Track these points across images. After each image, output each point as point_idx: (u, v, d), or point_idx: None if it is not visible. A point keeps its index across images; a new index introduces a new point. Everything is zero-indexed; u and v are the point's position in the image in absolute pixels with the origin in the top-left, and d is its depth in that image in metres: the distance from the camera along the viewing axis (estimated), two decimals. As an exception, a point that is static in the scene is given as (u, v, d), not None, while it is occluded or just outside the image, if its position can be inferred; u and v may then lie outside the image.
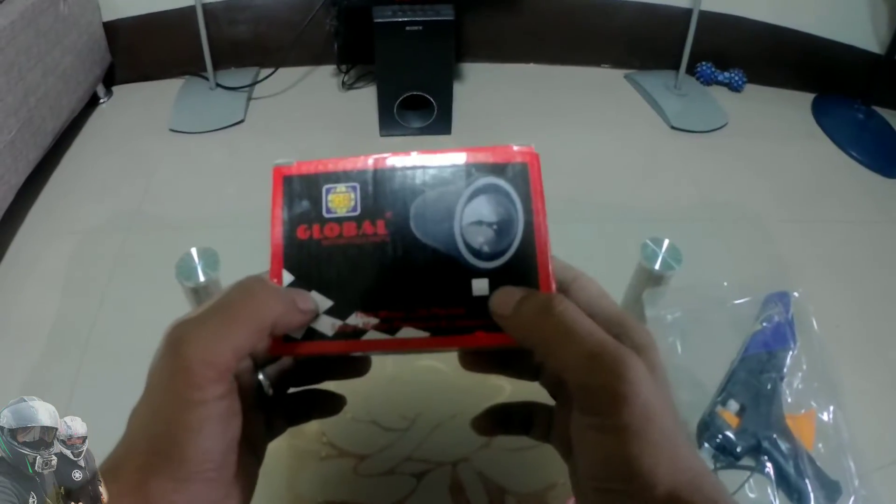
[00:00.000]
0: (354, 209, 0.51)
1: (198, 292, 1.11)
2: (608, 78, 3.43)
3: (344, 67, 3.27)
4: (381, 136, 2.93)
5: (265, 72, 3.17)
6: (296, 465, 0.94)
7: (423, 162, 0.51)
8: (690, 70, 3.31)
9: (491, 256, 0.50)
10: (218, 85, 3.11)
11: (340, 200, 0.51)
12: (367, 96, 3.15)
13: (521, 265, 0.50)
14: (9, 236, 2.36)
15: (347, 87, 3.24)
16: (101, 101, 3.11)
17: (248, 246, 1.05)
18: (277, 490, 0.92)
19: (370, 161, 0.52)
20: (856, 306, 2.21)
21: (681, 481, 0.44)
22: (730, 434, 1.12)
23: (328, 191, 0.51)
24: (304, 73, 3.31)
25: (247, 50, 3.26)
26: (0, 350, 2.02)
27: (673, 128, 3.04)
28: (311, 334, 0.50)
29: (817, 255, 2.43)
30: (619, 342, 0.46)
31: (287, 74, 3.21)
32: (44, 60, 2.44)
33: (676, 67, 3.22)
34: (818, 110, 3.25)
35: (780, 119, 3.21)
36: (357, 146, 2.87)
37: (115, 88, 3.21)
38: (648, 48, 3.40)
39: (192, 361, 0.43)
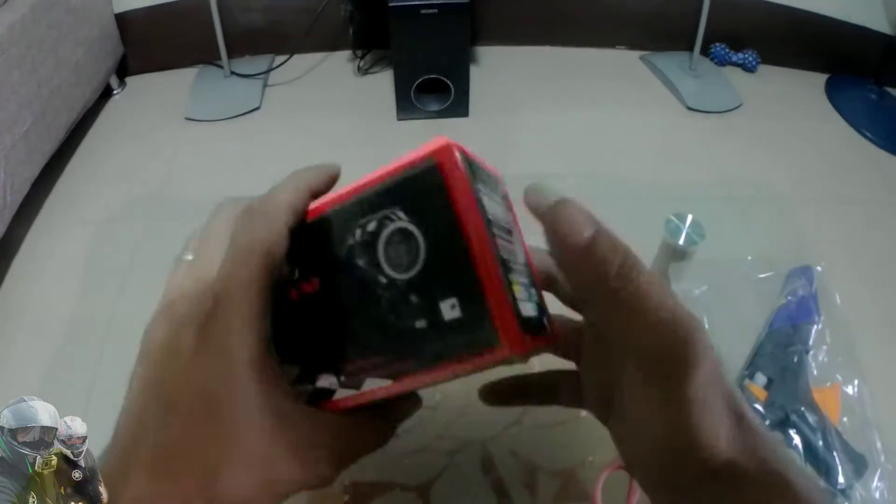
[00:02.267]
0: (293, 272, 0.50)
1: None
2: (624, 60, 3.42)
3: (359, 52, 3.27)
4: (399, 120, 2.93)
5: (280, 59, 3.16)
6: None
7: (336, 203, 0.49)
8: (704, 51, 3.30)
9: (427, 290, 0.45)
10: (233, 73, 3.11)
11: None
12: (383, 81, 3.15)
13: (462, 285, 0.44)
14: (25, 228, 2.37)
15: (363, 72, 3.24)
16: (115, 92, 3.12)
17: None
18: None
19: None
20: (875, 284, 2.20)
21: (740, 446, 0.44)
22: (758, 407, 1.12)
23: None
24: (320, 60, 3.31)
25: (261, 37, 3.26)
26: (20, 341, 2.02)
27: (689, 108, 3.04)
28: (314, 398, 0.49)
29: (835, 233, 2.42)
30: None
31: (302, 61, 3.21)
32: (56, 53, 2.44)
33: (691, 49, 3.21)
34: (832, 91, 3.24)
35: (795, 100, 3.20)
36: (374, 131, 2.89)
37: (128, 79, 3.21)
38: (663, 30, 3.39)
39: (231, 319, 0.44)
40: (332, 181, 0.52)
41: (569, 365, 0.59)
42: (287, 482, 0.45)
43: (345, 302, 0.48)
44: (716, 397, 0.44)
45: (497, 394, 0.62)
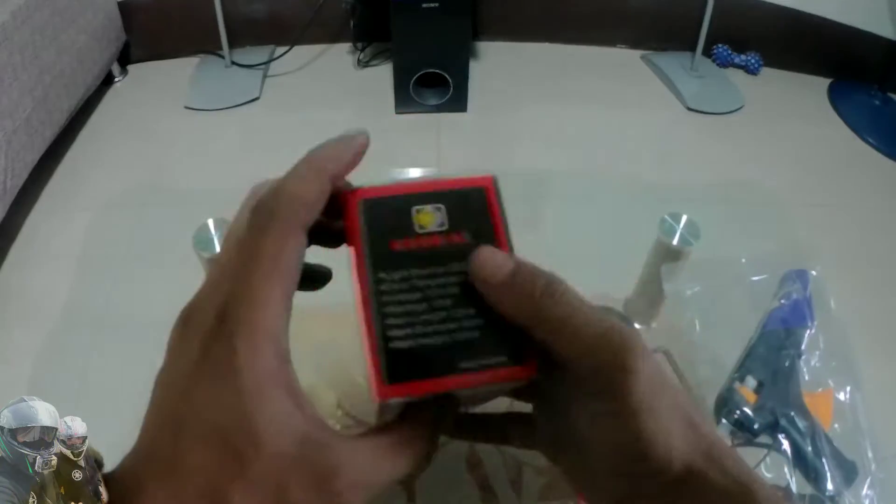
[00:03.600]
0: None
1: (214, 263, 1.11)
2: (624, 58, 3.43)
3: (360, 45, 3.27)
4: (397, 113, 2.94)
5: (281, 49, 3.18)
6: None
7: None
8: (707, 52, 3.31)
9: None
10: (233, 63, 3.12)
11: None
12: (382, 74, 3.16)
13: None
14: (24, 213, 2.37)
15: (363, 64, 3.25)
16: (116, 79, 3.12)
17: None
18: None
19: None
20: (871, 290, 2.21)
21: (697, 455, 0.44)
22: (747, 410, 1.12)
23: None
24: (320, 51, 3.31)
25: (262, 28, 3.26)
26: (16, 325, 2.03)
27: (689, 109, 3.04)
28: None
29: (832, 238, 2.42)
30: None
31: (303, 52, 3.22)
32: (59, 39, 2.45)
33: (693, 49, 3.22)
34: (834, 95, 3.24)
35: (796, 103, 3.20)
36: (372, 123, 2.85)
37: (130, 67, 3.22)
38: (665, 29, 3.39)
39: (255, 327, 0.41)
40: (358, 156, 0.48)
41: (525, 407, 0.59)
42: None
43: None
44: (662, 405, 0.44)
45: (460, 427, 0.61)
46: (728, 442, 1.10)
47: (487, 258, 0.46)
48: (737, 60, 3.34)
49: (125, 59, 3.19)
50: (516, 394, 0.58)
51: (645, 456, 0.43)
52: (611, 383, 0.43)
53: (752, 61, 3.32)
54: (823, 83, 3.33)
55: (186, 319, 0.44)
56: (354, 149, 0.48)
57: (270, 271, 0.42)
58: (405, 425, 0.46)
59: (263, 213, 0.44)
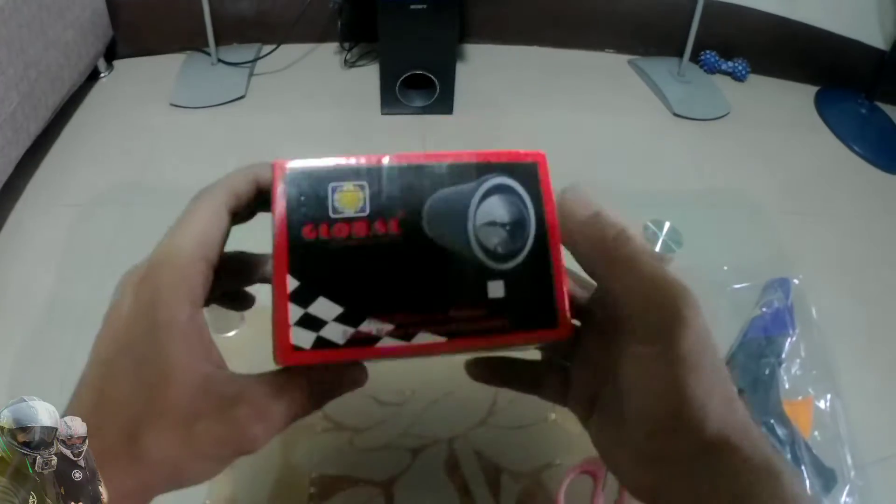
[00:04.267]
0: (363, 209, 0.48)
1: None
2: (611, 63, 3.42)
3: (347, 45, 3.25)
4: (383, 114, 2.92)
5: (267, 48, 3.16)
6: (291, 439, 0.94)
7: (432, 160, 0.51)
8: (694, 58, 3.31)
9: (505, 258, 0.49)
10: (220, 60, 3.10)
11: (349, 199, 0.48)
12: (369, 74, 3.14)
13: (536, 265, 0.50)
14: (8, 208, 2.36)
15: (350, 64, 3.24)
16: (102, 75, 3.10)
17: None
18: (273, 463, 0.92)
19: (379, 159, 0.50)
20: (853, 299, 2.21)
21: (730, 421, 0.45)
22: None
23: (335, 189, 0.48)
24: (307, 51, 3.29)
25: (249, 26, 3.25)
26: (-3, 320, 2.02)
27: (675, 115, 3.04)
28: (321, 343, 0.47)
29: (816, 247, 2.42)
30: None
31: (289, 51, 3.20)
32: (46, 34, 2.43)
33: (680, 55, 3.22)
34: (821, 103, 3.25)
35: (783, 110, 3.20)
36: (358, 124, 2.89)
37: (115, 63, 3.20)
38: (653, 34, 3.39)
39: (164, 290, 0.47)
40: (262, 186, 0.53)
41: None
42: (210, 440, 0.46)
43: (421, 252, 0.49)
44: (706, 364, 0.45)
45: (483, 368, 0.62)
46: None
47: (582, 193, 0.52)
48: (724, 67, 3.35)
49: (111, 54, 3.17)
50: (553, 350, 0.60)
51: (680, 411, 0.44)
52: (663, 329, 0.45)
53: (740, 68, 3.32)
54: (810, 91, 3.33)
55: (125, 277, 0.50)
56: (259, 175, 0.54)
57: (195, 230, 0.49)
58: (294, 372, 0.50)
59: (203, 190, 0.53)
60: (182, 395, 0.45)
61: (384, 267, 0.48)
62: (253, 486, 0.93)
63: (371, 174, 0.49)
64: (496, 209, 0.49)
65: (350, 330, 0.48)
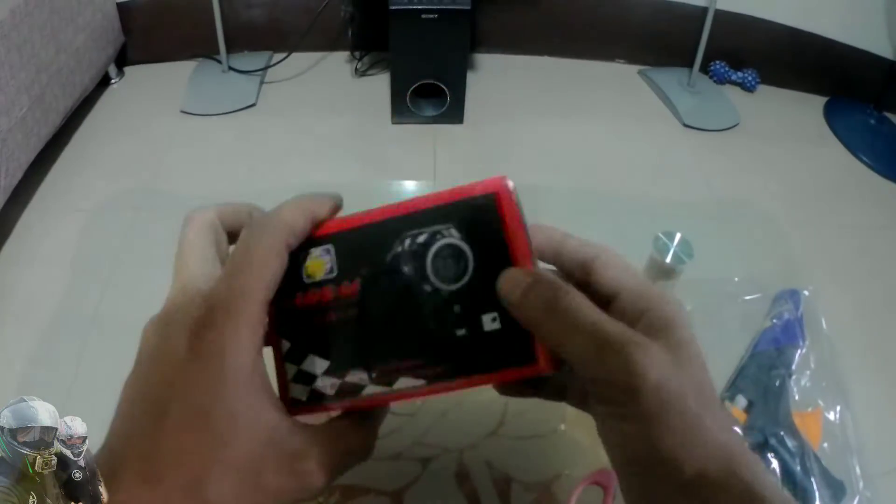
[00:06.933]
0: (331, 270, 0.51)
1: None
2: (622, 73, 3.43)
3: (358, 54, 3.26)
4: (394, 123, 2.93)
5: (278, 56, 3.17)
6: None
7: (387, 216, 0.51)
8: (704, 68, 3.31)
9: (465, 311, 0.49)
10: (231, 68, 3.12)
11: (316, 267, 0.51)
12: (380, 83, 3.15)
13: (491, 281, 0.48)
14: (17, 213, 2.37)
15: (361, 73, 3.25)
16: (113, 81, 3.12)
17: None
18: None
19: (337, 223, 0.52)
20: (863, 310, 2.21)
21: (711, 463, 0.43)
22: (737, 429, 1.12)
23: (304, 258, 0.51)
24: (318, 59, 3.30)
25: (261, 34, 3.26)
26: (6, 325, 2.02)
27: (685, 125, 3.05)
28: (315, 395, 0.51)
29: (826, 257, 2.42)
30: (633, 326, 0.46)
31: (300, 59, 3.21)
32: (57, 38, 2.44)
33: (690, 65, 3.22)
34: (830, 114, 3.25)
35: (792, 121, 3.21)
36: (369, 133, 2.90)
37: (126, 69, 3.22)
38: (663, 45, 3.40)
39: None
40: (334, 210, 0.53)
41: None
42: (275, 490, 0.45)
43: (386, 305, 0.50)
44: (673, 410, 0.43)
45: (513, 385, 0.62)
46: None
47: (507, 285, 0.48)
48: (734, 77, 3.35)
49: (122, 60, 3.19)
50: (534, 386, 0.59)
51: (653, 462, 0.43)
52: (613, 396, 0.44)
53: (749, 78, 3.32)
54: (820, 101, 3.34)
55: (167, 318, 0.47)
56: (333, 200, 0.53)
57: (259, 272, 0.46)
58: (346, 419, 0.51)
59: (257, 227, 0.49)
60: (250, 447, 0.44)
61: (356, 323, 0.50)
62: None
63: (335, 239, 0.51)
64: (447, 270, 0.49)
65: (337, 381, 0.50)
